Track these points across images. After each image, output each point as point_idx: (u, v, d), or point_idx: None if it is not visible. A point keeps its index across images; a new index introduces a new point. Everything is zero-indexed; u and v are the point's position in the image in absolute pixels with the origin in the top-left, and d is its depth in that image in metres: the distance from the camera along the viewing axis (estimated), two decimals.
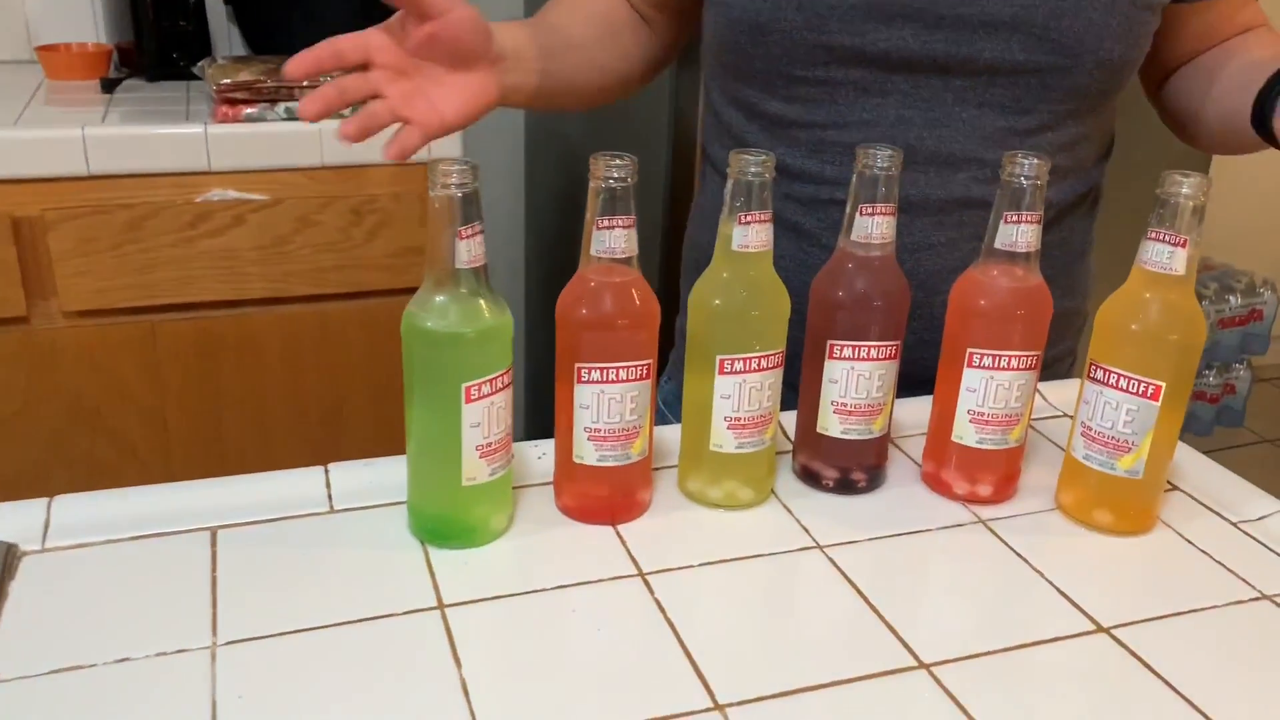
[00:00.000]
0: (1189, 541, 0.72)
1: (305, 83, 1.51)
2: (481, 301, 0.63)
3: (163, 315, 1.52)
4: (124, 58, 1.76)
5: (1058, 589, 0.67)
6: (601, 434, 0.68)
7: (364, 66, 0.75)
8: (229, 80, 1.49)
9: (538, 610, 0.62)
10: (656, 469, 0.76)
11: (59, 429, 1.52)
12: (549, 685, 0.57)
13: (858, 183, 0.70)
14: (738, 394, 0.70)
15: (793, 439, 0.79)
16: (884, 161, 0.68)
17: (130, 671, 0.55)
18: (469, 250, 0.61)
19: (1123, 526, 0.72)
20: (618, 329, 0.67)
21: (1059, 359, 0.97)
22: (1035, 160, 0.68)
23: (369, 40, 0.75)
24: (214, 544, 0.66)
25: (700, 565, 0.67)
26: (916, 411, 0.83)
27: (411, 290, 0.64)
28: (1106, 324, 0.70)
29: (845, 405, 0.73)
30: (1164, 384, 0.68)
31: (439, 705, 0.54)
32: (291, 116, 1.50)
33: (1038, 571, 0.68)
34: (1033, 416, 0.85)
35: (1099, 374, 0.70)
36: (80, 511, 0.67)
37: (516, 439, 0.78)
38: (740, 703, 0.56)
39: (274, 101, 1.51)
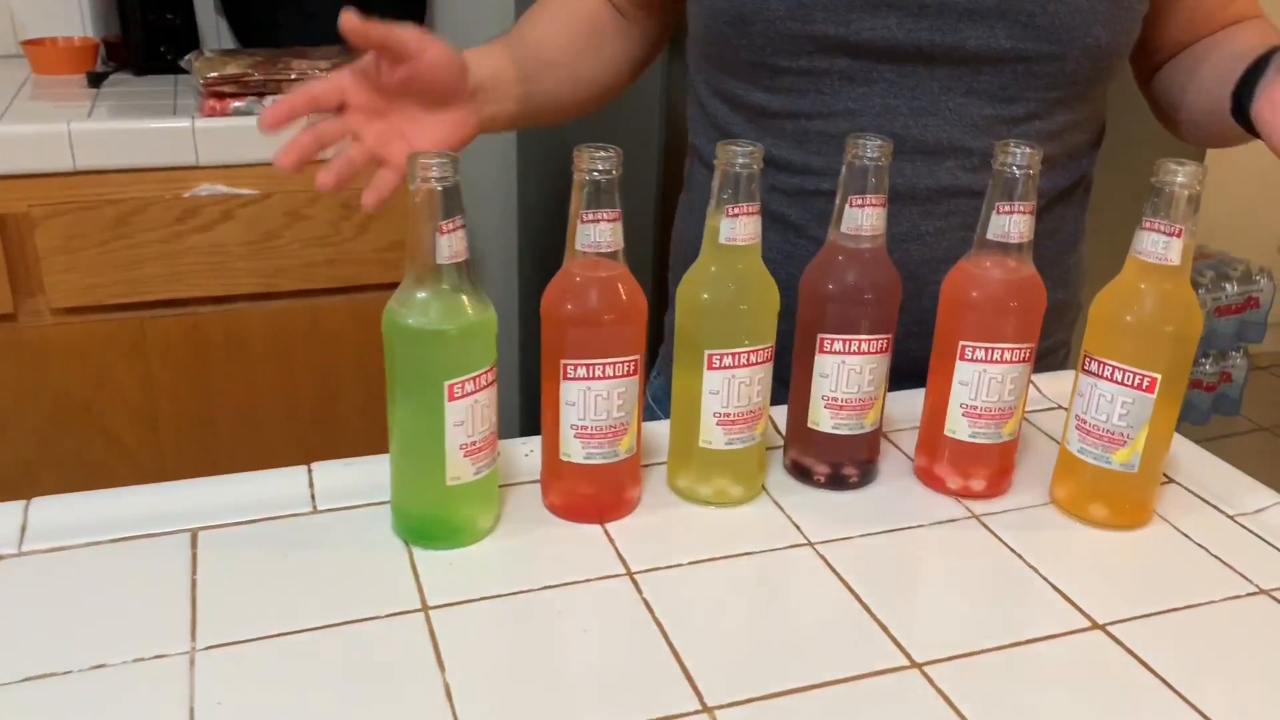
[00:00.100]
0: (1185, 535, 0.71)
1: (294, 75, 1.50)
2: (464, 297, 0.62)
3: (152, 312, 1.51)
4: (111, 52, 1.74)
5: (1052, 585, 0.66)
6: (588, 431, 0.67)
7: (340, 108, 0.74)
8: (216, 74, 1.48)
9: (524, 611, 0.61)
10: (645, 466, 0.75)
11: (48, 427, 1.51)
12: (534, 689, 0.56)
13: (847, 174, 0.69)
14: (727, 389, 0.69)
15: (784, 434, 0.78)
16: (873, 152, 0.67)
17: (106, 679, 0.54)
18: (450, 245, 0.60)
19: (1118, 521, 0.71)
20: (604, 324, 0.66)
21: (1052, 350, 0.96)
22: (1028, 149, 0.67)
23: (343, 82, 0.74)
24: (194, 546, 0.65)
25: (689, 564, 0.66)
26: (909, 405, 0.82)
27: None
28: (1101, 315, 0.69)
29: (836, 400, 0.72)
30: (1159, 376, 0.67)
31: (422, 711, 0.53)
32: None
33: (1032, 567, 0.67)
34: (1027, 409, 0.84)
35: (1093, 366, 0.69)
36: (58, 514, 0.66)
37: (512, 436, 0.77)
38: (729, 704, 0.55)
39: (262, 95, 1.49)
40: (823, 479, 0.75)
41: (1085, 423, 0.70)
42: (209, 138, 1.46)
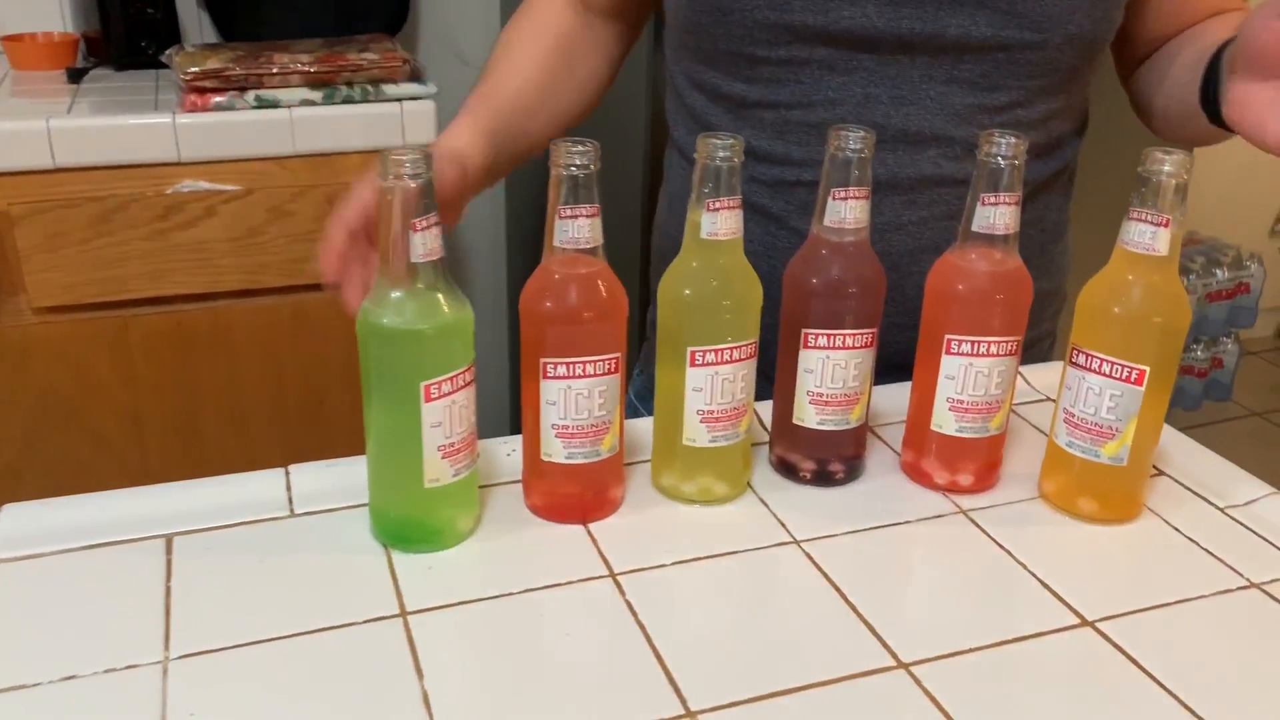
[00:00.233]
0: (1175, 529, 0.71)
1: (275, 70, 1.49)
2: (440, 296, 0.61)
3: (135, 310, 1.50)
4: (91, 47, 1.72)
5: (1041, 581, 0.65)
6: (569, 431, 0.66)
7: None
8: (196, 69, 1.46)
9: (504, 615, 0.60)
10: (629, 464, 0.74)
11: (31, 428, 1.49)
12: (513, 695, 0.55)
13: (829, 166, 0.67)
14: (710, 386, 0.68)
15: (769, 430, 0.77)
16: (856, 143, 0.66)
17: (76, 691, 0.53)
18: (424, 243, 0.59)
19: (1107, 515, 0.71)
20: (583, 322, 0.64)
21: (1038, 341, 0.95)
22: (1013, 139, 0.66)
23: (366, 201, 0.75)
24: (169, 552, 0.64)
25: (673, 564, 0.65)
26: (895, 398, 0.81)
27: None
28: (1088, 307, 0.68)
29: (821, 395, 0.71)
30: (1148, 368, 0.66)
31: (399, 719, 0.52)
32: (262, 105, 1.47)
33: (1020, 564, 0.66)
34: (1015, 401, 0.84)
35: (1081, 359, 0.68)
36: (29, 521, 0.65)
37: (503, 434, 0.76)
38: (713, 709, 0.54)
39: (243, 90, 1.48)
40: (809, 475, 0.74)
41: (1073, 416, 0.69)
42: (190, 133, 1.45)
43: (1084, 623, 0.61)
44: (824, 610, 0.62)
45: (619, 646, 0.58)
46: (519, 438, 0.71)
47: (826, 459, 0.73)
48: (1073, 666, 0.58)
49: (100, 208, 1.43)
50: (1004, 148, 0.66)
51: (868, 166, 0.67)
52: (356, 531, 0.66)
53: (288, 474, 0.71)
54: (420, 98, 1.54)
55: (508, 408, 2.13)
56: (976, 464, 0.73)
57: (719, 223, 0.66)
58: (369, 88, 1.52)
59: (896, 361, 0.81)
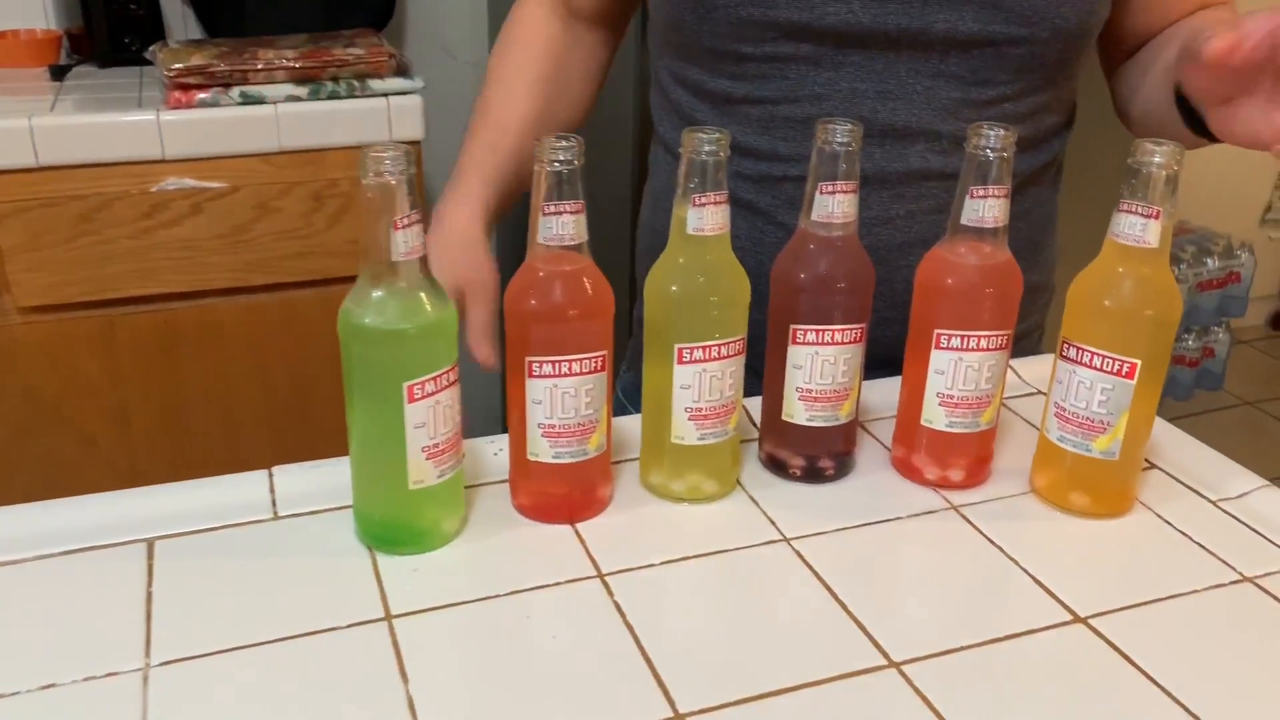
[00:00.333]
0: (1167, 523, 0.70)
1: (260, 66, 1.47)
2: (422, 295, 0.60)
3: (121, 309, 1.49)
4: (74, 44, 1.71)
5: (1033, 577, 0.64)
6: (556, 430, 0.65)
7: None
8: (180, 65, 1.44)
9: (490, 618, 0.59)
10: (618, 462, 0.74)
11: (18, 428, 1.48)
12: (499, 699, 0.54)
13: (817, 160, 0.67)
14: (698, 384, 0.68)
15: (758, 426, 0.76)
16: (843, 137, 0.65)
17: (55, 699, 0.52)
18: (406, 241, 0.58)
19: (1099, 509, 0.70)
20: (569, 320, 0.64)
21: (1027, 334, 0.95)
22: (1001, 131, 0.65)
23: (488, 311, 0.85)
24: (150, 556, 0.63)
25: (662, 563, 0.65)
26: (885, 393, 0.80)
27: None
28: (1078, 300, 0.67)
29: (810, 391, 0.70)
30: (1139, 361, 0.66)
31: None
32: (247, 101, 1.46)
33: (1012, 559, 0.66)
34: (1005, 395, 0.83)
35: (1071, 352, 0.68)
36: (7, 526, 0.64)
37: (497, 433, 0.75)
38: (701, 711, 0.53)
39: (228, 86, 1.46)
40: (799, 472, 0.73)
41: (1064, 410, 0.69)
42: (175, 130, 1.43)
43: (1076, 619, 0.61)
44: (814, 609, 0.61)
45: (607, 648, 0.57)
46: (506, 437, 0.70)
47: (816, 455, 0.73)
48: (1065, 663, 0.58)
49: (85, 206, 1.42)
50: (992, 140, 0.65)
51: (855, 160, 0.66)
52: (341, 534, 0.65)
53: (271, 476, 0.70)
54: (407, 92, 1.53)
55: (498, 406, 2.12)
56: (967, 459, 0.72)
57: (705, 218, 0.65)
58: (355, 83, 1.51)
59: (886, 356, 0.81)
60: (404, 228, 0.58)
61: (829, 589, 0.63)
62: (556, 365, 0.64)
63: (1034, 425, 0.80)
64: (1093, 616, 0.61)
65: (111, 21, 1.65)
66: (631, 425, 0.76)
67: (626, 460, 0.74)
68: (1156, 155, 0.62)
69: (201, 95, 1.45)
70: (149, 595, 0.60)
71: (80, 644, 0.56)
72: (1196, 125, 0.77)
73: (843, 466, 0.74)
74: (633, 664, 0.56)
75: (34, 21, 1.73)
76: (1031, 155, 0.87)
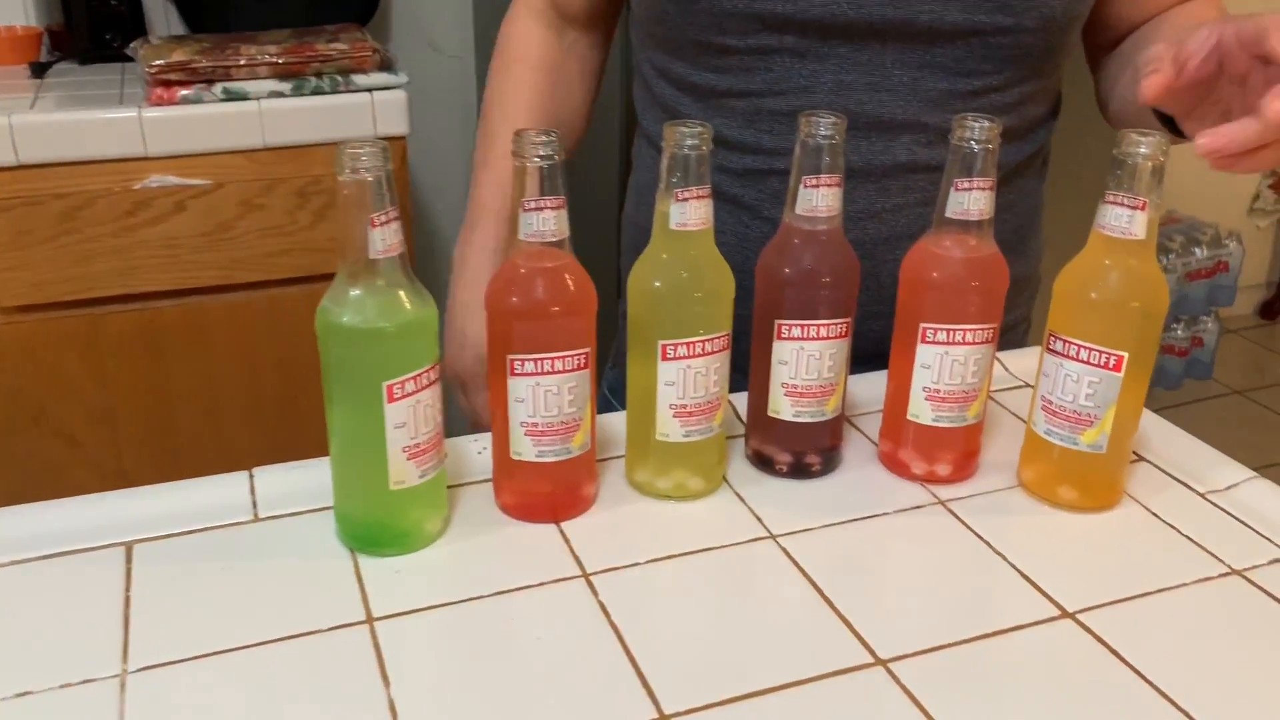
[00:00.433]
0: (1156, 516, 0.70)
1: (243, 61, 1.46)
2: (401, 293, 0.59)
3: (105, 308, 1.47)
4: (55, 41, 1.69)
5: (1021, 573, 0.64)
6: (539, 429, 0.65)
7: None
8: (162, 61, 1.43)
9: (473, 620, 0.59)
10: (604, 460, 0.73)
11: (1, 429, 1.47)
12: (482, 702, 0.53)
13: (800, 153, 0.66)
14: (682, 380, 0.67)
15: (744, 422, 0.76)
16: (827, 129, 0.65)
17: (30, 707, 0.52)
18: (384, 239, 0.57)
19: (1087, 503, 0.70)
20: (551, 317, 0.63)
21: (1013, 326, 0.94)
22: (986, 123, 0.65)
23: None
24: (129, 560, 0.62)
25: (647, 562, 0.64)
26: (872, 387, 0.80)
27: None
28: (1065, 293, 0.67)
29: (796, 387, 0.70)
30: (1126, 354, 0.65)
31: None
32: (229, 97, 1.45)
33: (999, 554, 0.65)
34: (993, 388, 0.83)
35: (1058, 345, 0.67)
36: None
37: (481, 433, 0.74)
38: (686, 711, 0.53)
39: (210, 82, 1.45)
40: (785, 468, 0.73)
41: (1051, 404, 0.68)
42: (157, 127, 1.42)
43: (1064, 614, 0.60)
44: (800, 607, 0.60)
45: (591, 649, 0.57)
46: (490, 435, 0.70)
47: (803, 451, 0.72)
48: (1053, 660, 0.57)
49: (66, 205, 1.40)
50: (977, 132, 0.64)
51: (840, 153, 0.66)
52: (322, 535, 0.65)
53: (252, 477, 0.69)
54: (391, 87, 1.52)
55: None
56: (954, 453, 0.72)
57: (688, 213, 0.64)
58: (339, 78, 1.50)
59: (873, 350, 0.80)
60: (381, 225, 0.57)
61: (816, 586, 0.62)
62: (539, 363, 0.63)
63: (1021, 418, 0.80)
64: (1081, 611, 0.60)
65: (92, 18, 1.64)
66: (617, 422, 0.75)
67: (612, 458, 0.74)
68: (1142, 146, 0.62)
69: (184, 92, 1.44)
70: (127, 600, 0.59)
71: (56, 650, 0.55)
72: (1172, 126, 0.76)
73: (829, 462, 0.73)
74: (617, 665, 0.56)
75: (14, 18, 1.71)
76: (1018, 146, 0.87)
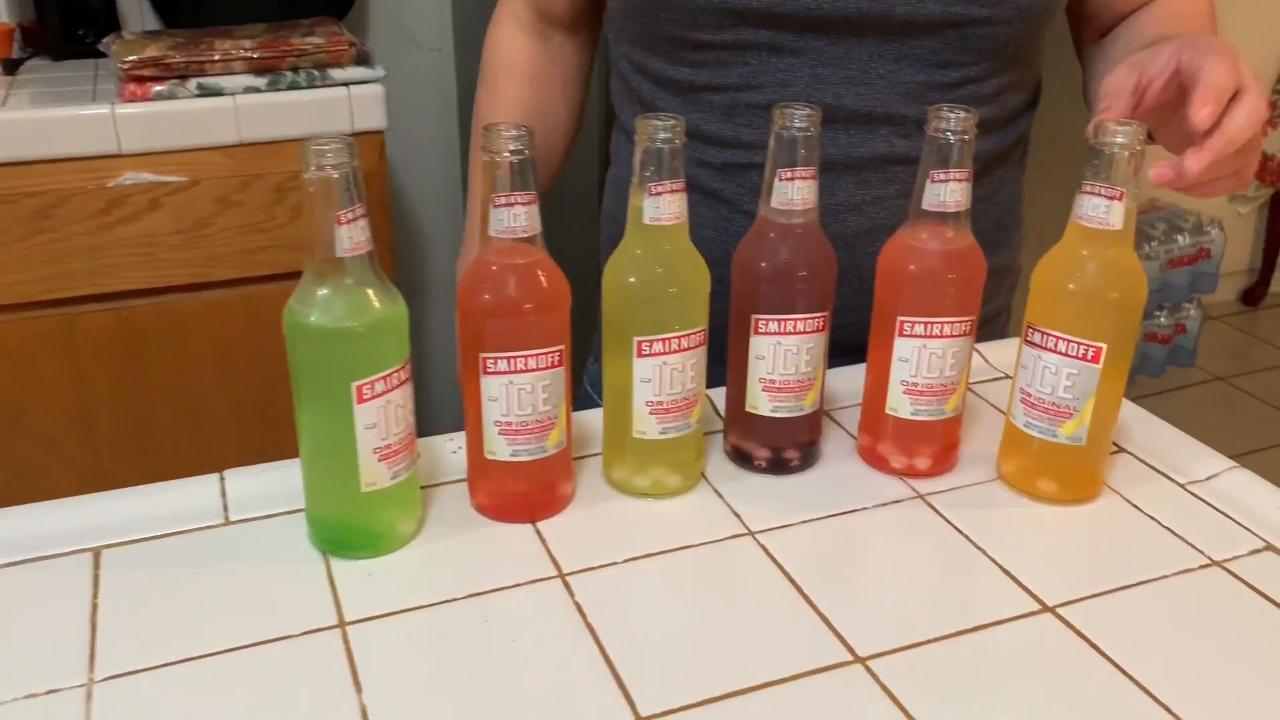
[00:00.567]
0: (1136, 507, 0.69)
1: (217, 56, 1.44)
2: (370, 291, 0.58)
3: (81, 307, 1.46)
4: (27, 37, 1.67)
5: (1000, 567, 0.63)
6: (513, 428, 0.64)
7: None
8: (134, 57, 1.41)
9: (447, 623, 0.58)
10: (582, 457, 0.72)
11: None
12: (455, 707, 0.52)
13: (775, 145, 0.65)
14: (658, 377, 0.66)
15: (723, 417, 0.75)
16: (801, 122, 0.64)
17: None
18: (351, 236, 0.56)
19: (1067, 495, 0.69)
20: (524, 314, 0.62)
21: (994, 316, 0.94)
22: (962, 113, 0.64)
23: None
24: (97, 566, 0.61)
25: (625, 561, 0.63)
26: (851, 381, 0.79)
27: None
28: (1042, 284, 0.66)
29: (774, 382, 0.69)
30: (1105, 345, 0.65)
31: None
32: (204, 93, 1.43)
33: (979, 549, 0.65)
34: (972, 379, 0.82)
35: (1036, 337, 0.67)
36: None
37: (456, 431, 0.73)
38: (662, 713, 0.52)
39: (184, 78, 1.43)
40: (764, 464, 0.72)
41: (1030, 396, 0.68)
42: (131, 124, 1.40)
43: (1044, 608, 0.60)
44: (778, 605, 0.60)
45: (566, 652, 0.56)
46: (464, 434, 0.69)
47: (781, 446, 0.72)
48: (1033, 655, 0.57)
49: (39, 203, 1.38)
50: (953, 123, 0.64)
51: (815, 145, 0.65)
52: (294, 538, 0.64)
53: (223, 480, 0.68)
54: (368, 81, 1.50)
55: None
56: (933, 447, 0.71)
57: (662, 207, 0.64)
58: (315, 73, 1.48)
59: (854, 343, 0.79)
60: (348, 222, 0.56)
61: (794, 583, 0.62)
62: (512, 361, 0.62)
63: (1001, 410, 0.79)
64: (1061, 606, 0.60)
65: (65, 13, 1.62)
66: (594, 419, 0.74)
67: (590, 455, 0.73)
68: (1119, 136, 0.61)
69: (157, 88, 1.42)
70: (94, 607, 0.58)
71: (21, 660, 0.54)
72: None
73: (808, 457, 0.73)
74: (593, 667, 0.55)
75: None
76: (997, 136, 0.86)
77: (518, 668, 0.55)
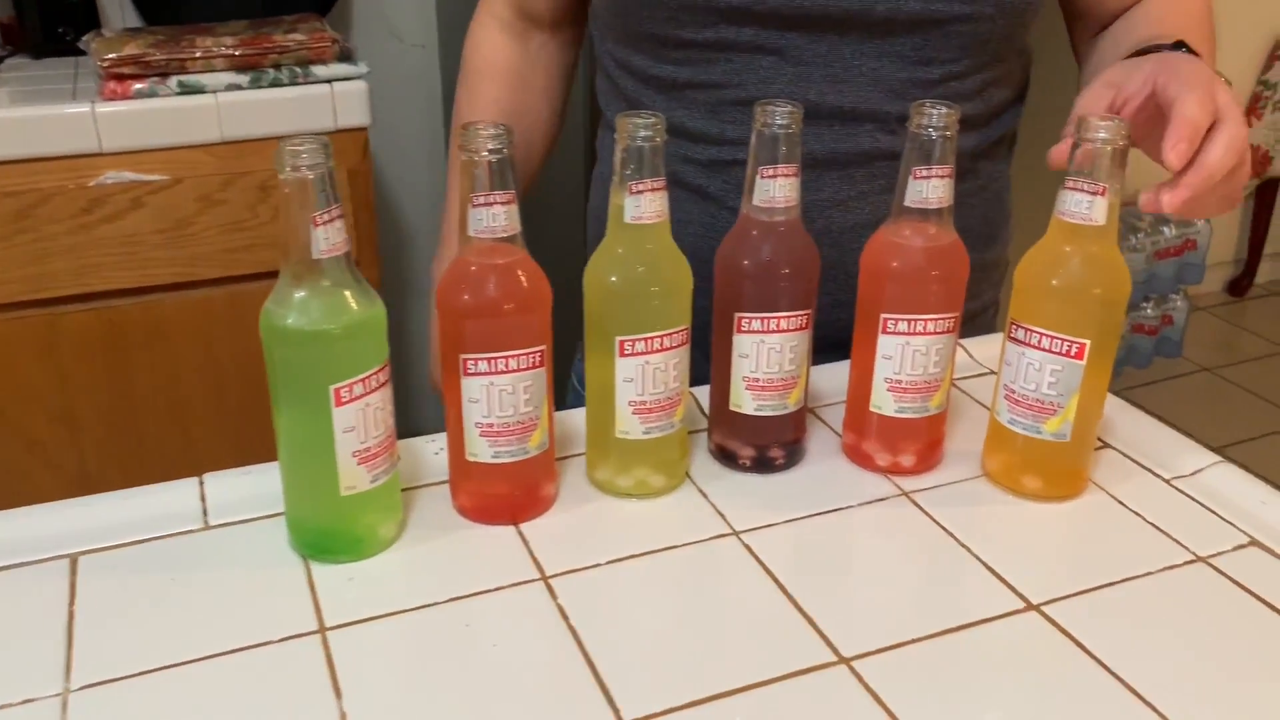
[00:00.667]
0: (1121, 503, 0.69)
1: (198, 54, 1.43)
2: (347, 293, 0.57)
3: (63, 307, 1.44)
4: (6, 34, 1.66)
5: (985, 565, 0.63)
6: (494, 429, 0.63)
7: None
8: (114, 55, 1.40)
9: (428, 627, 0.57)
10: (565, 457, 0.72)
11: None
12: (436, 712, 0.52)
13: (756, 143, 0.65)
14: (641, 376, 0.66)
15: (708, 416, 0.75)
16: (783, 119, 0.63)
17: None
18: (327, 237, 0.56)
19: (1052, 492, 0.69)
20: (504, 314, 0.62)
21: (981, 311, 0.93)
22: (944, 109, 0.63)
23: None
24: (73, 573, 0.60)
25: (608, 563, 0.63)
26: (836, 377, 0.79)
27: None
28: (1025, 280, 0.66)
29: (757, 380, 0.69)
30: (1088, 342, 0.64)
31: None
32: (185, 91, 1.42)
33: (964, 546, 0.65)
34: (958, 375, 0.82)
35: (1020, 334, 0.66)
36: None
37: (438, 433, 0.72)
38: (645, 717, 0.52)
39: (165, 75, 1.42)
40: (748, 463, 0.72)
41: (1014, 392, 0.67)
42: (112, 122, 1.39)
43: (1029, 606, 0.60)
44: (762, 606, 0.60)
45: (549, 655, 0.55)
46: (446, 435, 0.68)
47: (766, 445, 0.71)
48: (1017, 654, 0.57)
49: (19, 203, 1.37)
50: (935, 119, 0.63)
51: (796, 143, 0.64)
52: (274, 543, 0.63)
53: (202, 483, 0.68)
54: (352, 78, 1.49)
55: None
56: (918, 444, 0.71)
57: (643, 205, 0.63)
58: (297, 70, 1.47)
59: (841, 339, 0.79)
60: (324, 224, 0.55)
61: (778, 583, 0.61)
62: (492, 362, 0.62)
63: (986, 406, 0.79)
64: (1045, 604, 0.60)
65: (44, 10, 1.60)
66: (578, 419, 0.74)
67: (573, 455, 0.72)
68: (1101, 131, 0.61)
69: (138, 86, 1.41)
70: (71, 615, 0.57)
71: None
72: None
73: (793, 455, 0.73)
74: (576, 671, 0.54)
75: None
76: (983, 132, 0.86)
77: (499, 673, 0.55)
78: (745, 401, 0.70)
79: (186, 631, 0.56)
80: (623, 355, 0.65)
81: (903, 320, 0.67)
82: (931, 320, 0.67)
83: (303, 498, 0.61)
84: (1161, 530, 0.67)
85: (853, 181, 0.82)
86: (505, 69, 0.94)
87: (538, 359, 0.63)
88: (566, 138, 1.55)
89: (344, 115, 1.49)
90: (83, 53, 1.55)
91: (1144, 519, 0.68)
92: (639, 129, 0.62)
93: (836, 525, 0.67)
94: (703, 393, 0.76)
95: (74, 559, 0.61)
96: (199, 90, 1.42)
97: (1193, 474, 0.72)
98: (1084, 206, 0.63)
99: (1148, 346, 2.60)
